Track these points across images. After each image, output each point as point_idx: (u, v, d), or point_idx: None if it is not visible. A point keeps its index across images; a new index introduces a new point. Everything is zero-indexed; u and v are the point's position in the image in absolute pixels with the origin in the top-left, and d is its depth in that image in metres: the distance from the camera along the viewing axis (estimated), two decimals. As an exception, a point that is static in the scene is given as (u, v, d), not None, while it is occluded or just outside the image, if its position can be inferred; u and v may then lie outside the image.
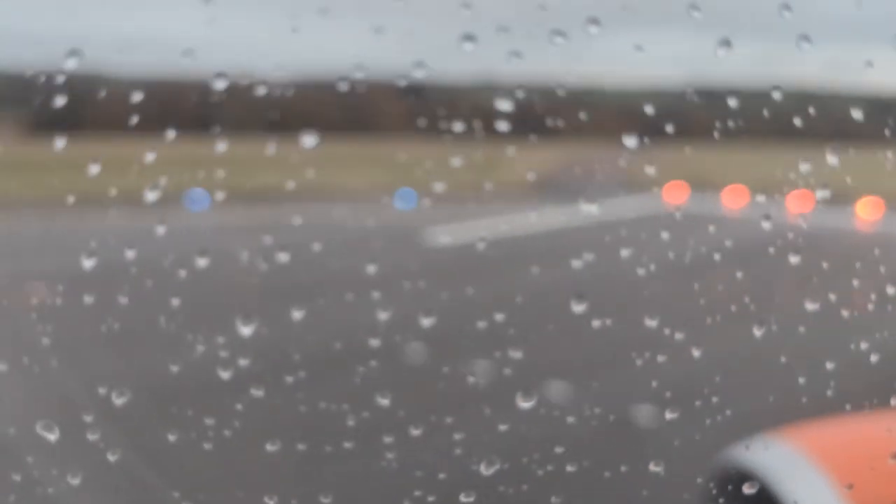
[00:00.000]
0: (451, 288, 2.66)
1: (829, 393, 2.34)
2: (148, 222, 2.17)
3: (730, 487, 2.59)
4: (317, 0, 1.99)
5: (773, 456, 2.56)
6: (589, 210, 2.43)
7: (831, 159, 2.32)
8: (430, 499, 2.71)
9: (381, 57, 2.17)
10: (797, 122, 2.34)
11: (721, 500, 2.64)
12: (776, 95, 2.28)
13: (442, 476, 2.89)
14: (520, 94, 2.07)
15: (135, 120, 2.03)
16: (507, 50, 2.12)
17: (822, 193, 2.37)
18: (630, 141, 2.16)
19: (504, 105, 2.07)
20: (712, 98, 2.32)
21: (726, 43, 2.15)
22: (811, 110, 2.35)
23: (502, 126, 2.09)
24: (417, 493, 2.74)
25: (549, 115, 2.29)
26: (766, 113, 2.34)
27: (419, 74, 2.13)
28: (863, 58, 2.24)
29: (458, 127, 2.22)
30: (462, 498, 2.42)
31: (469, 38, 2.08)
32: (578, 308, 2.35)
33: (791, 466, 2.48)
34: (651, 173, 2.38)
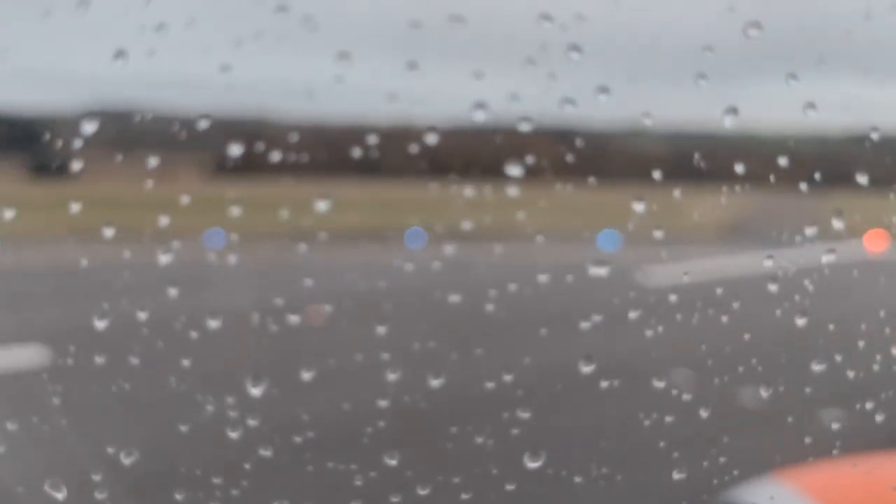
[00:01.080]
0: (686, 328, 2.68)
1: None
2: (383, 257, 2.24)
3: None
4: (332, 68, 2.03)
5: (774, 497, 2.56)
6: (784, 255, 2.43)
7: None
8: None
9: (395, 122, 2.22)
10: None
11: None
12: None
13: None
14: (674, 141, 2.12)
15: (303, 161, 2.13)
16: (518, 115, 2.17)
17: None
18: (803, 186, 2.20)
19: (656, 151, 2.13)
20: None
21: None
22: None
23: (659, 173, 2.14)
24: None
25: (707, 160, 2.33)
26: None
27: (431, 139, 2.17)
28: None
29: (615, 173, 2.27)
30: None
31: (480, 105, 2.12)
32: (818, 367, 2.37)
33: None
34: (835, 220, 2.40)
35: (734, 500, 2.65)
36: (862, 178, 2.32)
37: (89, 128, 2.04)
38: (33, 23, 1.91)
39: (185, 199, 2.27)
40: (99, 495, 2.47)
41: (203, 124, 2.12)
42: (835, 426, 2.55)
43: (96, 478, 2.49)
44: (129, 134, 2.27)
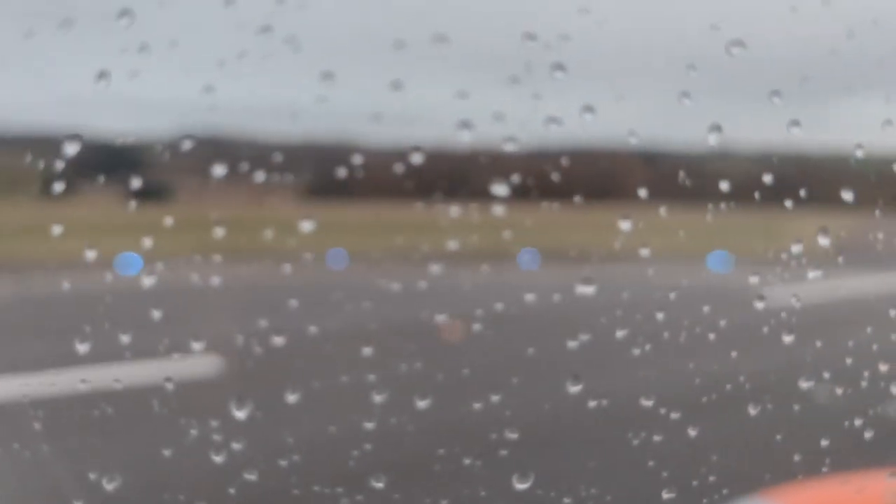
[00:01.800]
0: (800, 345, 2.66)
1: None
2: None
3: None
4: (316, 88, 2.03)
5: None
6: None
7: None
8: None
9: (381, 141, 2.21)
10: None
11: None
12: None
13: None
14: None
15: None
16: (503, 136, 2.16)
17: None
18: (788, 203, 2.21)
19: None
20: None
21: None
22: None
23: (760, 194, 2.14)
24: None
25: (692, 178, 2.34)
26: None
27: (416, 159, 2.17)
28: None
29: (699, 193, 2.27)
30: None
31: (465, 125, 2.12)
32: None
33: None
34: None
35: None
36: (846, 196, 2.33)
37: (182, 152, 2.07)
38: (132, 55, 1.92)
39: (301, 222, 2.27)
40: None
41: (294, 148, 2.16)
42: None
43: None
44: (217, 158, 2.29)
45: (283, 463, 2.66)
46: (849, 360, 2.73)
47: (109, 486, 2.29)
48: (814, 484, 2.67)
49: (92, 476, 2.35)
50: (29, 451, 2.55)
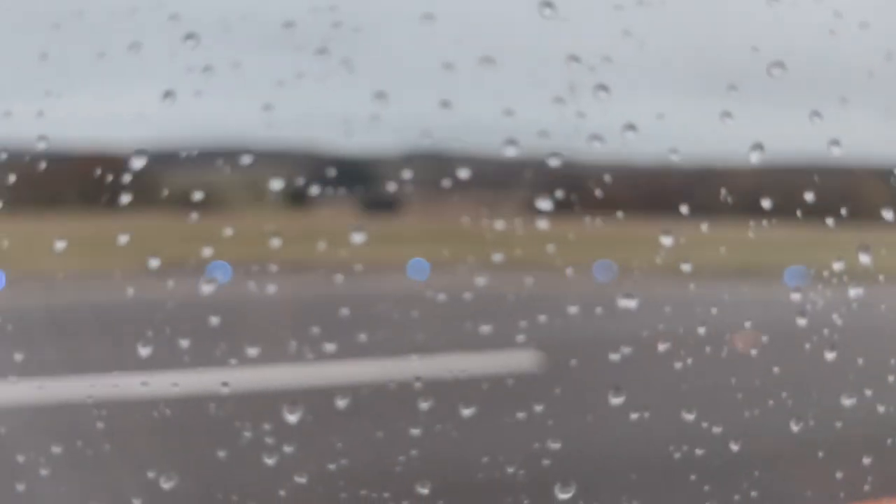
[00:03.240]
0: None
1: None
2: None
3: None
4: (370, 107, 2.12)
5: None
6: None
7: None
8: None
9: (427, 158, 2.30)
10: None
11: None
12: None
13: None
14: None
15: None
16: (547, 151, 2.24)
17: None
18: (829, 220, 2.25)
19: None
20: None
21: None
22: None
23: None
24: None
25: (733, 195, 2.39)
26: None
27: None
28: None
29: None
30: None
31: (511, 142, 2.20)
32: None
33: None
34: None
35: None
36: (887, 214, 2.36)
37: (408, 169, 2.20)
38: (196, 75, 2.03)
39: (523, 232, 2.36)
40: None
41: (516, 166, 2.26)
42: None
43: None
44: (439, 174, 2.41)
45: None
46: (891, 378, 2.75)
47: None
48: None
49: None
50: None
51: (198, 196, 2.29)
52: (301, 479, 2.55)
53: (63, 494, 2.77)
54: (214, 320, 2.52)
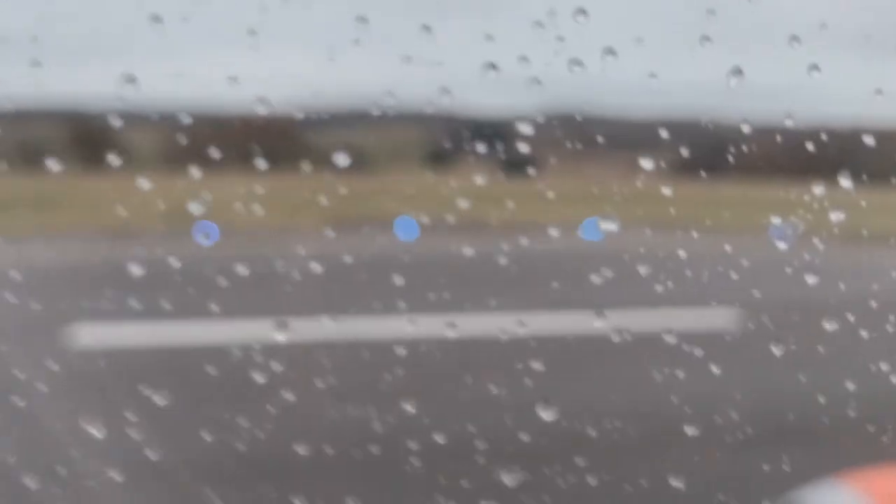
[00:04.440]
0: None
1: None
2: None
3: None
4: (350, 32, 2.13)
5: (839, 500, 2.52)
6: None
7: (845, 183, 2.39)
8: (453, 504, 2.80)
9: (410, 84, 2.31)
10: (810, 149, 2.43)
11: None
12: (788, 124, 2.38)
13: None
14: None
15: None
16: (527, 77, 2.25)
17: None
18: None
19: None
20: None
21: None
22: (823, 138, 2.43)
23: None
24: (441, 500, 2.83)
25: None
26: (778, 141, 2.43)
27: (445, 101, 2.27)
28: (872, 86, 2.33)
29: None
30: (483, 504, 2.51)
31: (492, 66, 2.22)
32: None
33: None
34: None
35: (796, 502, 2.63)
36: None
37: (544, 128, 2.22)
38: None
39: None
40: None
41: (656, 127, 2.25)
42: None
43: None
44: (578, 134, 2.42)
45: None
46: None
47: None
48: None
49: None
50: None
51: (349, 157, 2.33)
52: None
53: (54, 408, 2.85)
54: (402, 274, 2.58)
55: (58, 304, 3.78)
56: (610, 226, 2.35)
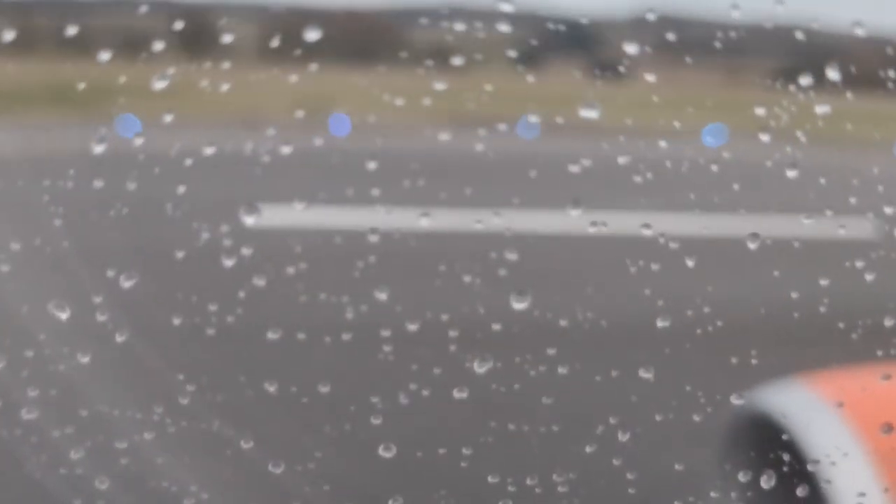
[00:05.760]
0: None
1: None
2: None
3: (752, 432, 2.58)
4: None
5: (798, 402, 2.54)
6: None
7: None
8: (425, 393, 2.81)
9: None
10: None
11: (741, 445, 2.65)
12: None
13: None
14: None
15: None
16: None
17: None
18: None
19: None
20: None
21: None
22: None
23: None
24: (413, 387, 2.85)
25: None
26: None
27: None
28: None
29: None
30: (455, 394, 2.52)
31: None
32: None
33: (817, 414, 2.45)
34: None
35: (752, 405, 2.65)
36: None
37: (639, 31, 2.10)
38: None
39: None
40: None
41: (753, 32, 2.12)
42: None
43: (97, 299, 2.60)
44: (670, 38, 2.30)
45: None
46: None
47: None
48: (851, 373, 2.65)
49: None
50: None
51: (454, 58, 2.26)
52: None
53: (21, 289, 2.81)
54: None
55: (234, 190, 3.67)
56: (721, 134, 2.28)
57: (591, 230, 2.79)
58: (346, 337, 2.98)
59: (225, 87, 2.28)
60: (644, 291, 3.44)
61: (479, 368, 2.50)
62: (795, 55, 2.24)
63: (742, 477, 2.35)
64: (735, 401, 2.60)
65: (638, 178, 2.59)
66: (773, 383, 2.74)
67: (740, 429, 2.68)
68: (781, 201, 2.77)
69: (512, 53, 2.52)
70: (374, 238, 2.69)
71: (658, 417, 2.72)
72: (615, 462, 2.51)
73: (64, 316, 2.41)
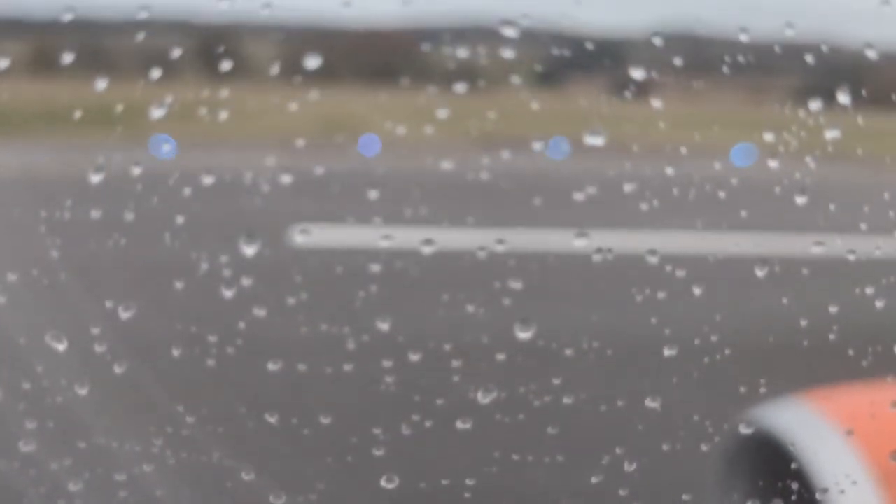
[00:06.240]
0: None
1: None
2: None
3: (758, 458, 2.57)
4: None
5: (807, 427, 2.51)
6: None
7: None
8: (428, 424, 2.79)
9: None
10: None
11: (740, 464, 2.63)
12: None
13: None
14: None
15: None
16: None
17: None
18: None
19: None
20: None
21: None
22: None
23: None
24: (415, 418, 2.82)
25: None
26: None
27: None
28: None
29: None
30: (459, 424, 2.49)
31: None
32: None
33: (817, 432, 2.44)
34: None
35: (754, 421, 2.62)
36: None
37: (658, 49, 2.10)
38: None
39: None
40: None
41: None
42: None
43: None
44: (691, 55, 2.30)
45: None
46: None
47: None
48: (853, 390, 2.61)
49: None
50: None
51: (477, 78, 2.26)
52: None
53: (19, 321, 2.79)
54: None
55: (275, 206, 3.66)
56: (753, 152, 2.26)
57: (596, 258, 2.77)
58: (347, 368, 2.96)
59: (250, 107, 2.29)
60: (651, 320, 3.42)
61: (483, 399, 2.48)
62: (821, 73, 2.21)
63: (750, 507, 2.31)
64: (743, 430, 2.56)
65: (676, 194, 2.59)
66: (779, 400, 2.70)
67: (746, 454, 2.65)
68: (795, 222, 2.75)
69: (536, 70, 2.52)
70: (428, 250, 2.67)
71: (665, 447, 2.68)
72: (622, 492, 2.47)
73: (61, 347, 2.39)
